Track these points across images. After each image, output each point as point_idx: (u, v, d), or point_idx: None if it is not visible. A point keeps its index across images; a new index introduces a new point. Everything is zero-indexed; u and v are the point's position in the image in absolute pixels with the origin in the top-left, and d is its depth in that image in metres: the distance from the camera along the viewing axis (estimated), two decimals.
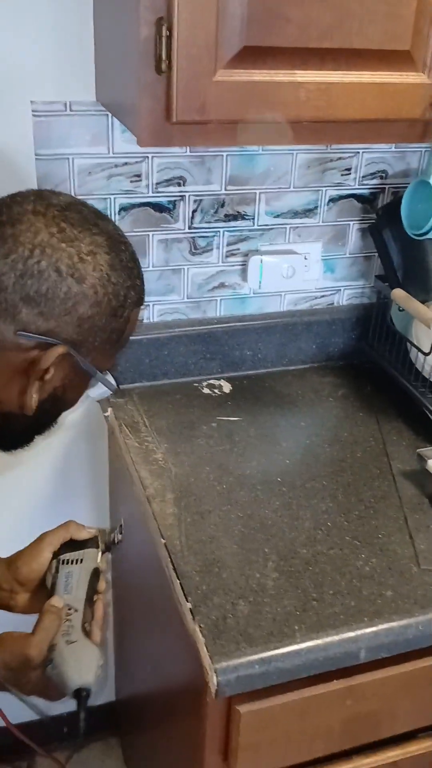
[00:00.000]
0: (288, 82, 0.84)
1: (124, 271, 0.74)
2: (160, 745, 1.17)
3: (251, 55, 0.81)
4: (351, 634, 0.83)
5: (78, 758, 1.55)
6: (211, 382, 1.30)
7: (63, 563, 0.87)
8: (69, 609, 0.81)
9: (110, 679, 1.52)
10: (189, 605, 0.85)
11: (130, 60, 0.84)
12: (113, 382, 0.83)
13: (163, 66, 0.79)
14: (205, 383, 1.29)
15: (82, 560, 0.87)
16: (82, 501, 1.36)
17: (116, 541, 0.92)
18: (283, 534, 0.97)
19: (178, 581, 0.88)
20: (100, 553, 0.89)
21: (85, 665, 0.76)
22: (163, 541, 0.94)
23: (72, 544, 0.89)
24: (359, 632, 0.83)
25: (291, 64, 0.83)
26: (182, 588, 0.88)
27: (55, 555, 0.88)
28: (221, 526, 0.98)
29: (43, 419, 0.80)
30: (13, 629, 0.80)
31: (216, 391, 1.28)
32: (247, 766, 0.87)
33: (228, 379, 1.31)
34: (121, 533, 0.92)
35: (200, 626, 0.83)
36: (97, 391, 0.83)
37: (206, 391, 1.28)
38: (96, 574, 0.87)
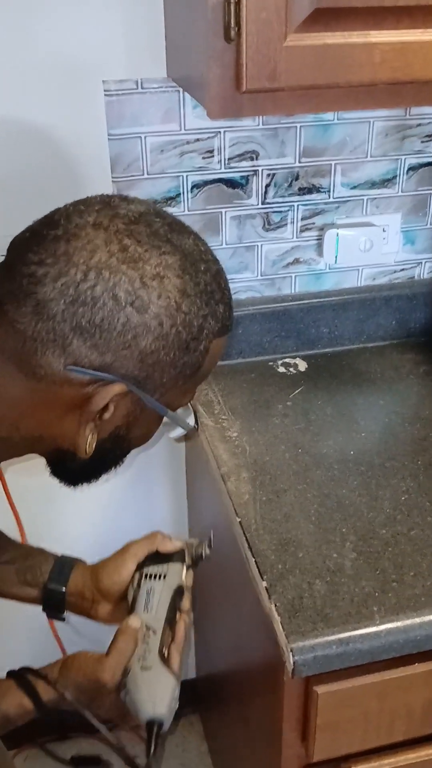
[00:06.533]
0: (362, 43, 0.80)
1: (200, 297, 0.63)
2: (239, 723, 1.18)
3: (323, 17, 0.78)
4: None
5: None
6: (287, 360, 1.28)
7: (146, 578, 0.81)
8: (147, 630, 0.76)
9: (191, 656, 1.54)
10: (265, 584, 0.84)
11: (199, 30, 0.82)
12: (191, 420, 0.74)
13: (232, 33, 0.77)
14: (280, 362, 1.28)
15: (165, 576, 0.81)
16: (159, 479, 1.38)
17: (204, 556, 0.85)
18: (362, 514, 0.94)
19: (253, 559, 0.88)
20: (185, 569, 0.83)
21: (159, 695, 0.72)
22: (238, 519, 0.94)
23: (157, 557, 0.84)
24: None
25: (365, 25, 0.79)
26: (257, 566, 0.87)
27: (139, 567, 0.83)
28: (297, 505, 0.96)
29: (106, 459, 0.71)
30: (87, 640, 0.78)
31: (291, 369, 1.26)
32: (325, 746, 0.86)
33: (304, 358, 1.28)
34: (210, 547, 0.86)
35: (276, 605, 0.82)
36: (175, 430, 0.76)
37: (281, 369, 1.26)
38: (180, 591, 0.81)
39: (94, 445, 0.66)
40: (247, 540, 0.90)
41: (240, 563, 0.92)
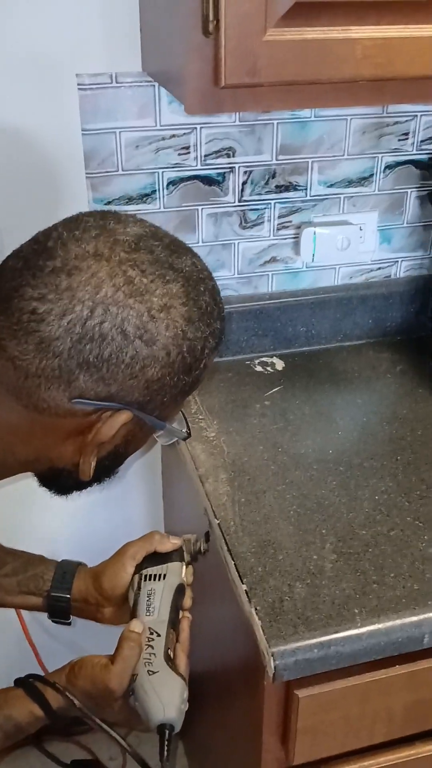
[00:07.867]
0: (343, 38, 0.79)
1: (202, 320, 0.64)
2: (217, 726, 1.16)
3: (303, 11, 0.76)
4: (414, 618, 0.79)
5: (136, 734, 1.55)
6: (264, 359, 1.27)
7: (145, 579, 0.81)
8: (151, 633, 0.76)
9: None
10: (244, 587, 0.83)
11: (177, 23, 0.81)
12: (185, 428, 0.75)
13: (211, 27, 0.75)
14: (257, 361, 1.26)
15: (165, 575, 0.81)
16: (134, 479, 1.36)
17: (202, 551, 0.85)
18: (341, 515, 0.94)
19: (233, 562, 0.86)
20: (184, 567, 0.83)
21: (168, 699, 0.72)
22: (217, 521, 0.92)
23: (155, 557, 0.84)
24: (423, 616, 0.80)
25: (346, 20, 0.78)
26: (237, 569, 0.85)
27: (138, 568, 0.83)
28: (276, 506, 0.95)
29: (102, 474, 0.72)
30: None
31: (268, 368, 1.25)
32: (306, 749, 0.85)
33: (281, 356, 1.28)
34: (207, 542, 0.86)
35: (256, 608, 0.80)
36: (167, 438, 0.78)
37: (258, 368, 1.25)
38: (180, 590, 0.81)
39: (93, 470, 0.67)
40: (226, 542, 0.89)
41: (219, 565, 0.91)
